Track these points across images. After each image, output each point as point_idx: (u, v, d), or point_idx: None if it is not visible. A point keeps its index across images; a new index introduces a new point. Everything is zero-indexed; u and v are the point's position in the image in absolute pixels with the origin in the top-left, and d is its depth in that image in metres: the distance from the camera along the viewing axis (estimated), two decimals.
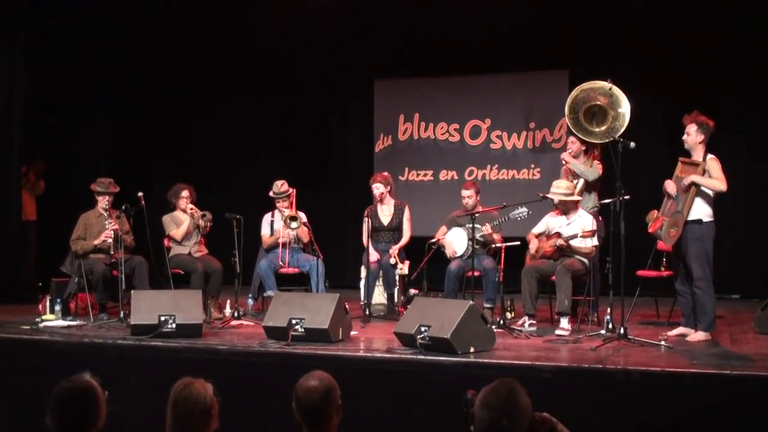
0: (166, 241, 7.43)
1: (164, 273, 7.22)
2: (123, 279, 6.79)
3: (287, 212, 7.32)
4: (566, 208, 6.60)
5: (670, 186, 5.87)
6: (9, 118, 8.46)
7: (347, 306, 5.96)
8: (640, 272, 6.94)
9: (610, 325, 5.75)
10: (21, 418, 4.86)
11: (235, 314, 6.78)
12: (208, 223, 7.33)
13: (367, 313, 6.89)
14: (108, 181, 7.41)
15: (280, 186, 7.49)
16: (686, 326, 5.97)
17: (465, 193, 7.18)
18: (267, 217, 7.63)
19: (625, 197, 5.70)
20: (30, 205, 9.00)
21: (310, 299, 6.16)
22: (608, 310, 5.84)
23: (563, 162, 7.04)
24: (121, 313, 6.59)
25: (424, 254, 7.04)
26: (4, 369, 5.80)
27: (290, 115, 10.02)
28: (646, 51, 8.72)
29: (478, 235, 6.75)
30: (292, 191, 7.50)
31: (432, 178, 9.73)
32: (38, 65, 8.87)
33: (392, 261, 7.24)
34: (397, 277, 7.29)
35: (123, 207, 7.04)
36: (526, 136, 9.37)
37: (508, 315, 6.80)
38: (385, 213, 7.55)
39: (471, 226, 6.66)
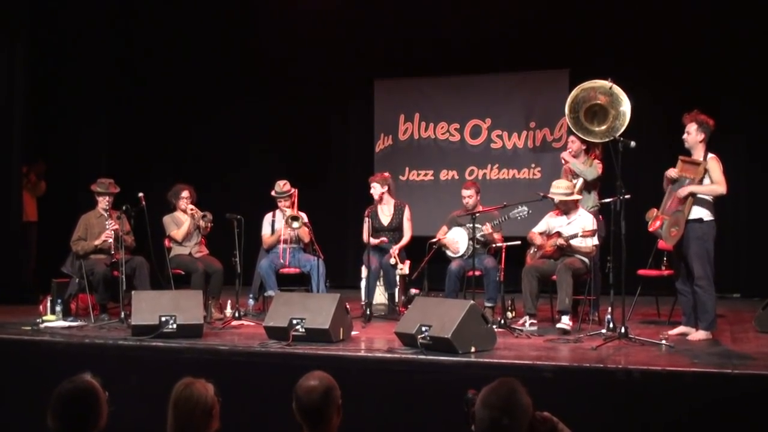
0: (166, 242, 7.43)
1: (165, 273, 7.23)
2: (124, 279, 6.79)
3: (289, 212, 7.32)
4: (567, 207, 6.60)
5: (672, 172, 5.85)
6: (9, 118, 8.46)
7: (348, 306, 5.96)
8: (641, 271, 6.95)
9: (611, 325, 5.76)
10: (22, 418, 4.86)
11: (236, 314, 6.79)
12: (209, 224, 7.34)
13: (368, 313, 6.88)
14: (108, 181, 7.41)
15: (282, 186, 7.50)
16: (687, 325, 5.97)
17: (465, 192, 7.18)
18: (268, 217, 7.63)
19: (626, 196, 5.70)
20: (31, 205, 9.00)
21: (311, 299, 6.16)
22: (609, 309, 5.84)
23: (563, 161, 7.05)
24: (122, 313, 6.59)
25: (425, 254, 7.04)
26: (5, 370, 5.80)
27: (290, 115, 10.02)
28: (646, 51, 8.71)
29: (478, 235, 6.76)
30: (294, 191, 7.51)
31: (432, 177, 9.72)
32: (38, 65, 8.86)
33: (392, 261, 7.24)
34: (397, 277, 7.29)
35: (123, 207, 7.04)
36: (526, 135, 9.37)
37: (509, 314, 6.80)
38: (385, 213, 7.56)
39: (471, 225, 6.66)
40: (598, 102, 6.80)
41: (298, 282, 7.48)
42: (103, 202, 7.32)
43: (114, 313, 6.97)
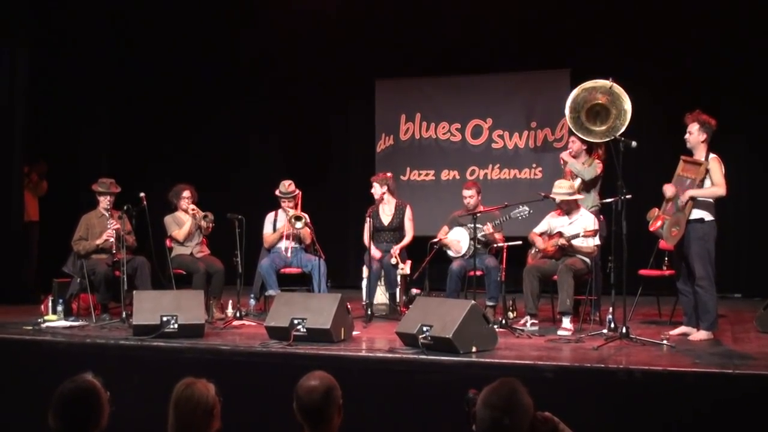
0: (167, 242, 7.43)
1: (166, 273, 7.22)
2: (125, 279, 6.80)
3: (292, 212, 7.33)
4: (569, 207, 6.60)
5: (669, 190, 5.87)
6: (10, 118, 8.46)
7: (349, 306, 5.96)
8: (642, 271, 6.95)
9: (612, 325, 5.75)
10: (23, 418, 4.87)
11: (237, 314, 6.79)
12: (211, 224, 7.34)
13: (369, 313, 6.88)
14: (109, 181, 7.42)
15: (288, 186, 7.51)
16: (688, 325, 5.96)
17: (466, 192, 7.19)
18: (270, 216, 7.64)
19: (627, 196, 5.70)
20: (33, 205, 9.00)
21: (312, 299, 6.17)
22: (610, 309, 5.83)
23: (561, 161, 7.05)
24: (123, 313, 6.59)
25: (426, 254, 7.04)
26: (6, 370, 5.80)
27: (291, 115, 10.03)
28: (646, 51, 8.71)
29: (479, 235, 6.76)
30: (298, 193, 7.52)
31: (433, 177, 9.72)
32: (39, 66, 8.86)
33: (393, 261, 7.24)
34: (398, 277, 7.30)
35: (125, 207, 7.04)
36: (527, 135, 9.37)
37: (510, 314, 6.80)
38: (386, 213, 7.56)
39: (473, 225, 6.66)
40: (599, 102, 6.80)
41: (300, 282, 7.48)
42: (104, 202, 7.33)
43: (115, 313, 6.97)
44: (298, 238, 7.46)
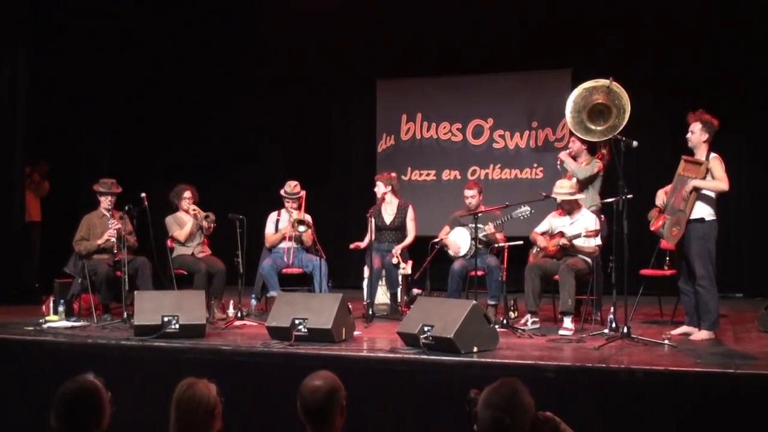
0: (169, 242, 7.43)
1: (167, 273, 7.22)
2: (126, 280, 6.80)
3: (295, 214, 7.34)
4: (570, 207, 6.60)
5: (659, 198, 5.89)
6: (12, 118, 8.47)
7: (350, 306, 5.96)
8: (643, 271, 6.95)
9: (614, 324, 5.74)
10: (25, 419, 4.87)
11: (239, 314, 6.79)
12: (212, 224, 7.34)
13: (370, 313, 6.88)
14: (110, 181, 7.43)
15: (293, 187, 7.52)
16: (690, 325, 5.96)
17: (468, 192, 7.19)
18: (273, 216, 7.65)
19: (628, 196, 5.70)
20: (34, 206, 9.01)
21: (313, 299, 6.16)
22: (611, 309, 5.82)
23: (558, 160, 7.06)
24: (125, 313, 6.59)
25: (427, 254, 7.04)
26: (8, 370, 5.80)
27: (292, 115, 10.03)
28: (647, 51, 8.71)
29: (481, 235, 6.76)
30: (303, 194, 7.52)
31: (435, 177, 9.73)
32: (40, 66, 8.87)
33: (394, 261, 7.24)
34: (400, 277, 7.30)
35: (126, 207, 7.05)
36: (528, 135, 9.37)
37: (512, 314, 6.80)
38: (388, 212, 7.56)
39: (474, 225, 6.66)
40: (600, 101, 6.79)
41: (301, 282, 7.48)
42: (106, 202, 7.33)
43: (116, 313, 6.97)
44: (299, 240, 7.46)
